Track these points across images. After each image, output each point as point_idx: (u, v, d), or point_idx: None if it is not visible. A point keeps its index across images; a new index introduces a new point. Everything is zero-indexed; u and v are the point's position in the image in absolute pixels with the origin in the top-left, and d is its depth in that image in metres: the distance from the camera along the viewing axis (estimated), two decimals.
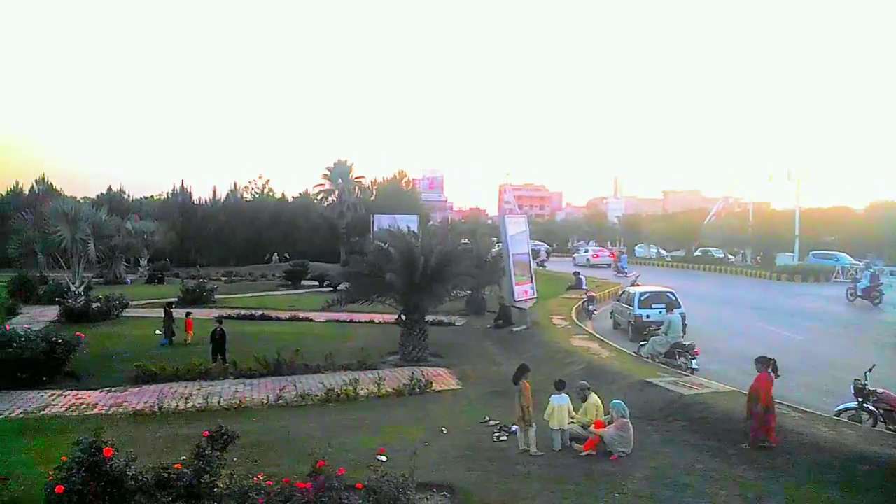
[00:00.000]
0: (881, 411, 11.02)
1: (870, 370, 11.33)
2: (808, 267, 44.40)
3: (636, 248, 67.58)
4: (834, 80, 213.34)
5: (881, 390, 11.14)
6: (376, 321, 23.63)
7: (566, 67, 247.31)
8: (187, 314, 20.92)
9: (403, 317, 18.50)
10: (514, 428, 11.33)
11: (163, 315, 20.66)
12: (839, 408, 11.58)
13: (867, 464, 8.78)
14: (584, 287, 31.72)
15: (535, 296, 23.54)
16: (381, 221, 39.11)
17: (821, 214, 61.05)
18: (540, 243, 58.18)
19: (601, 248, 61.18)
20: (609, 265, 50.74)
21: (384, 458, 9.20)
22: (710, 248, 57.50)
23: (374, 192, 65.23)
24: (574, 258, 56.34)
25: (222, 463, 7.50)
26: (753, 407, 9.97)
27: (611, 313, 24.76)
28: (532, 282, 23.22)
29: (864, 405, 11.20)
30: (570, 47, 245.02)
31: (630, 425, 10.26)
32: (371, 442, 10.58)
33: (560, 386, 10.94)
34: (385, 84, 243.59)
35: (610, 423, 10.43)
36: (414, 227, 25.80)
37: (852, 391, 11.38)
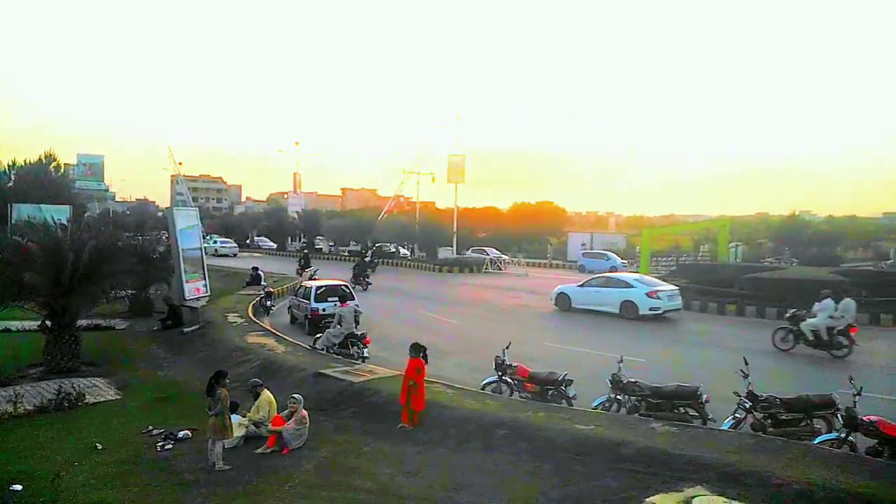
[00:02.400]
0: (515, 382, 12.85)
1: (507, 347, 13.11)
2: (463, 259, 50.29)
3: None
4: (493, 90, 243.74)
5: (515, 364, 12.99)
6: (13, 329, 20.22)
7: (247, 62, 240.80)
8: None
9: (48, 322, 16.16)
10: (181, 434, 10.71)
11: None
12: (484, 382, 13.18)
13: (504, 428, 10.17)
14: (263, 283, 31.25)
15: (209, 293, 22.49)
16: (22, 212, 33.93)
17: (475, 213, 70.05)
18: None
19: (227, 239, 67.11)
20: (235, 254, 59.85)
21: (19, 488, 8.00)
22: (384, 243, 60.09)
23: (13, 176, 55.38)
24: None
25: None
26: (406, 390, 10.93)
27: (288, 308, 24.79)
28: (205, 279, 22.13)
29: (503, 378, 12.93)
30: (255, 42, 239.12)
31: (307, 418, 10.45)
32: (4, 471, 9.04)
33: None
34: (29, 55, 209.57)
35: (290, 415, 10.45)
36: (64, 219, 22.79)
37: (494, 367, 13.10)
